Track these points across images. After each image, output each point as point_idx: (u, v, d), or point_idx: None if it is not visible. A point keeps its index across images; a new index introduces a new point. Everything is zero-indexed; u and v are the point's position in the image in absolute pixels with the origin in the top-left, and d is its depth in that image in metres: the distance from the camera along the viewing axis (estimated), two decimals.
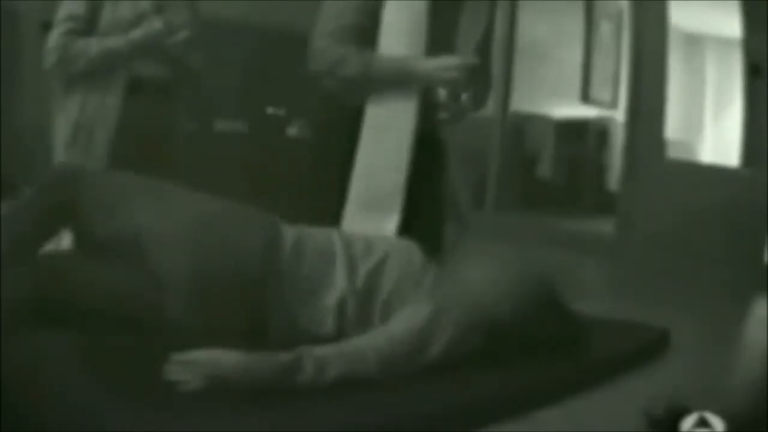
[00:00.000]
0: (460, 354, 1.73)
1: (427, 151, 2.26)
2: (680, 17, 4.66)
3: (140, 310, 1.60)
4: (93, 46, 2.49)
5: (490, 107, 5.25)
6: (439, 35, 2.23)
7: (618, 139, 5.41)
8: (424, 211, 2.26)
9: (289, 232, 1.81)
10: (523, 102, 5.78)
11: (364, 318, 1.76)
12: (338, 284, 1.76)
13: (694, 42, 6.09)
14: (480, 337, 1.77)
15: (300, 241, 1.79)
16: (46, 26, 2.57)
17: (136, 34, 2.53)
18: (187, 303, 1.60)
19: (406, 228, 2.16)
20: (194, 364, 1.50)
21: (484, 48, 2.35)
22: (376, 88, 2.21)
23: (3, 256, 1.58)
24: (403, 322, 1.72)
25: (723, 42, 5.67)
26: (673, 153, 4.55)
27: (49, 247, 1.74)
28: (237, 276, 1.66)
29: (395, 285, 1.80)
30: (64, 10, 2.53)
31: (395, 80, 2.19)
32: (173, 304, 1.60)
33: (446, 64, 2.18)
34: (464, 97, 2.27)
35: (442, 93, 2.23)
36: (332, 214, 2.20)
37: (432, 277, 1.85)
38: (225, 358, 1.52)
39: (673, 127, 4.65)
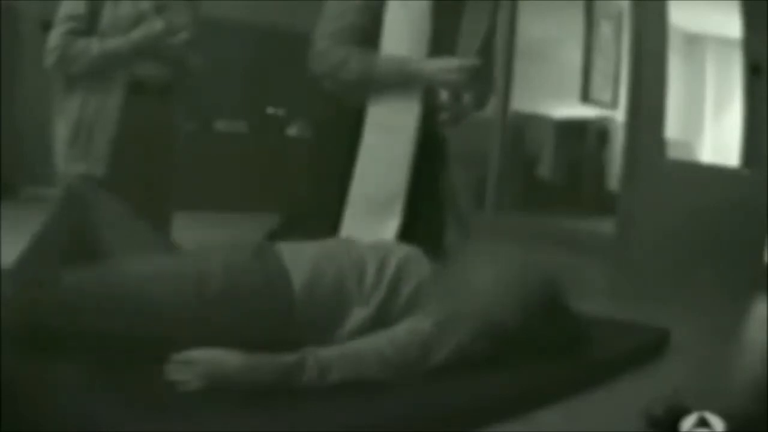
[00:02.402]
0: (464, 359, 1.72)
1: (428, 152, 2.26)
2: (680, 17, 4.66)
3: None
4: (93, 46, 2.49)
5: (490, 107, 5.25)
6: (442, 36, 2.23)
7: (618, 139, 5.41)
8: (424, 211, 2.26)
9: (298, 276, 1.72)
10: (523, 102, 5.78)
11: (380, 329, 1.73)
12: (352, 318, 1.73)
13: (694, 42, 6.10)
14: (485, 343, 1.76)
15: (310, 288, 1.71)
16: (46, 26, 2.57)
17: (137, 34, 2.53)
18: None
19: (406, 228, 2.15)
20: (194, 364, 1.49)
21: (486, 49, 2.35)
22: (377, 89, 2.21)
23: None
24: (407, 328, 1.71)
25: (723, 42, 5.68)
26: (673, 153, 4.55)
27: None
28: (247, 333, 1.63)
29: (409, 299, 1.78)
30: (64, 10, 2.52)
31: (397, 81, 2.19)
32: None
33: (448, 65, 2.17)
34: (465, 98, 2.27)
35: (443, 94, 2.23)
36: (332, 215, 2.19)
37: (440, 283, 1.83)
38: (228, 359, 1.51)
39: (673, 127, 4.65)
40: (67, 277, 1.58)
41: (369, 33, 2.19)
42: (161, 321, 1.59)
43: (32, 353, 1.47)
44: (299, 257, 1.77)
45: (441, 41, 2.22)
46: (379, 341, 1.67)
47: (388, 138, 2.19)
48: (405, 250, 1.89)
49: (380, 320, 1.74)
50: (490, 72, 2.42)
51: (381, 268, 1.79)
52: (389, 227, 2.15)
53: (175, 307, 1.60)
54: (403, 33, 2.20)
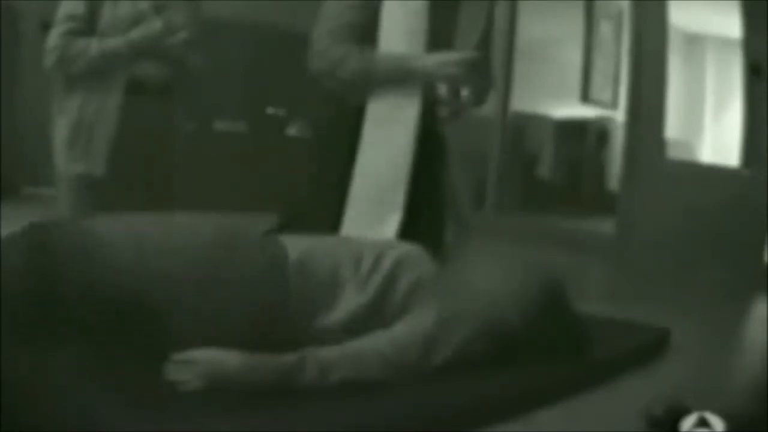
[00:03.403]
0: (464, 359, 1.72)
1: (428, 150, 2.26)
2: (680, 17, 4.67)
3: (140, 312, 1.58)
4: (93, 46, 2.49)
5: (490, 107, 5.26)
6: (439, 33, 2.23)
7: (618, 139, 5.42)
8: (424, 210, 2.26)
9: (294, 251, 1.73)
10: (523, 102, 5.79)
11: (377, 327, 1.72)
12: (346, 302, 1.72)
13: (694, 42, 6.10)
14: (485, 343, 1.75)
15: (305, 261, 1.72)
16: (46, 26, 2.57)
17: (136, 34, 2.53)
18: (188, 327, 1.57)
19: (406, 227, 2.15)
20: (194, 364, 1.49)
21: (483, 45, 2.35)
22: (377, 86, 2.21)
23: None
24: (407, 328, 1.70)
25: (723, 42, 5.68)
26: (673, 153, 4.56)
27: None
28: (239, 300, 1.62)
29: (407, 294, 1.78)
30: (63, 10, 2.52)
31: (396, 78, 2.19)
32: (173, 324, 1.56)
33: (446, 59, 2.18)
34: (464, 92, 2.27)
35: (442, 89, 2.23)
36: (333, 214, 2.19)
37: (440, 283, 1.82)
38: (228, 359, 1.51)
39: (673, 127, 4.66)
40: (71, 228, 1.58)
41: (367, 31, 2.20)
42: (154, 285, 1.57)
43: (31, 347, 1.48)
44: (296, 240, 1.78)
45: (438, 38, 2.22)
46: (380, 341, 1.66)
47: (388, 134, 2.19)
48: (405, 247, 1.88)
49: (376, 311, 1.73)
50: (489, 67, 2.41)
51: (377, 261, 1.79)
52: (390, 222, 2.15)
53: (168, 270, 1.58)
54: (400, 30, 2.20)
